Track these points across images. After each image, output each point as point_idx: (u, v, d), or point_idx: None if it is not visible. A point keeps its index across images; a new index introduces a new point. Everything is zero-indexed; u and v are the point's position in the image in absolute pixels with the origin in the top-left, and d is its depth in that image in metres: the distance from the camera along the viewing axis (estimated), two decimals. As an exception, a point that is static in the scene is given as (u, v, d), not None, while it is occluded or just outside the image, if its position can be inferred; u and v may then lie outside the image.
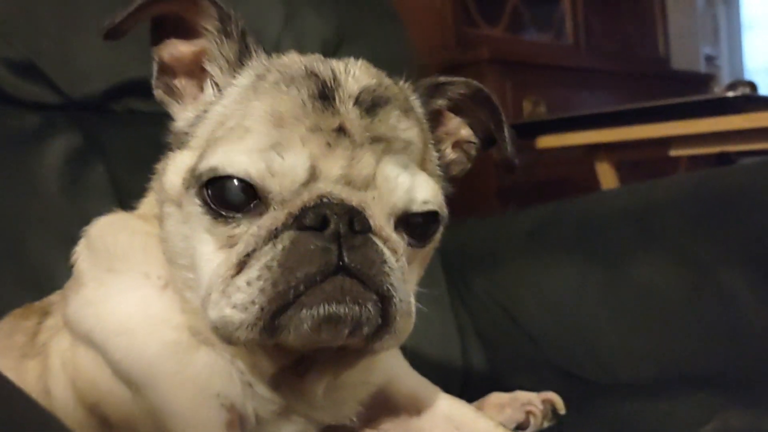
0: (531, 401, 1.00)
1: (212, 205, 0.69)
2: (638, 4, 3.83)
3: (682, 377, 1.33)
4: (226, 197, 0.69)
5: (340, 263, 0.66)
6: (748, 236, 1.34)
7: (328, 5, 1.78)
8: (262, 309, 0.65)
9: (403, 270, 0.70)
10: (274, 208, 0.68)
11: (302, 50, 1.66)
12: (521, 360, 1.56)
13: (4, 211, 1.24)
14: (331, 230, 0.66)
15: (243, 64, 0.77)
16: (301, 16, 1.72)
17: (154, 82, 0.80)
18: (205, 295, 0.69)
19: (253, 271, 0.66)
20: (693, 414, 1.06)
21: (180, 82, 0.79)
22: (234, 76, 0.76)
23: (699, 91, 3.39)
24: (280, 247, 0.66)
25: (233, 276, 0.67)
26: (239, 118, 0.71)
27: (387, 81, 0.78)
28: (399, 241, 0.71)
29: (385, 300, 0.68)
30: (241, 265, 0.67)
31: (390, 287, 0.68)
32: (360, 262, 0.66)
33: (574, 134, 2.07)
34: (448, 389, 1.56)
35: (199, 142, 0.74)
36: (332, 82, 0.72)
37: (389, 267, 0.68)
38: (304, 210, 0.67)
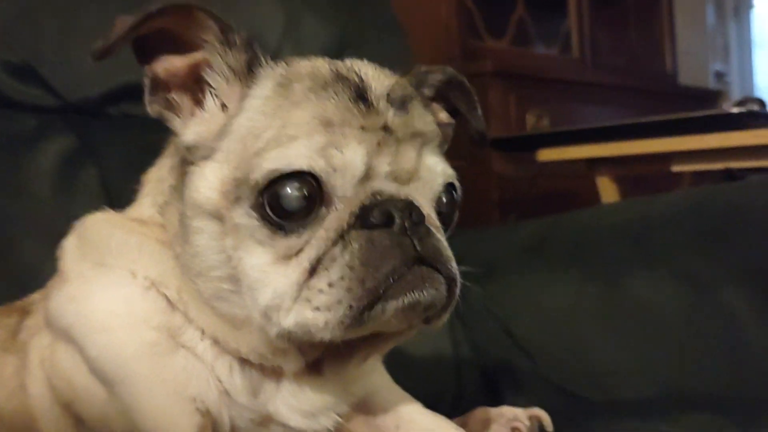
0: (517, 417, 0.98)
1: (272, 218, 0.70)
2: (646, 20, 3.82)
3: (680, 396, 1.31)
4: (284, 205, 0.70)
5: (415, 255, 0.70)
6: (749, 254, 1.32)
7: (329, 13, 1.78)
8: (351, 307, 0.68)
9: None
10: (336, 209, 0.71)
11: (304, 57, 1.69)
12: (516, 374, 1.54)
13: (-4, 212, 1.24)
14: (399, 225, 0.70)
15: (254, 73, 0.77)
16: (302, 23, 1.72)
17: (148, 98, 0.79)
18: (271, 305, 0.71)
19: (333, 273, 0.69)
20: (689, 434, 1.05)
21: (174, 96, 0.79)
22: (248, 86, 0.76)
23: (707, 108, 3.38)
24: (356, 246, 0.69)
25: (306, 281, 0.69)
26: (278, 129, 0.72)
27: (401, 79, 0.81)
28: (440, 226, 0.76)
29: (451, 281, 0.73)
30: (312, 270, 0.69)
31: (455, 269, 0.73)
32: (431, 251, 0.71)
33: (575, 148, 2.06)
34: (441, 402, 1.55)
35: (227, 155, 0.74)
36: (362, 83, 0.75)
37: (449, 251, 0.74)
38: (365, 208, 0.70)
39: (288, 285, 0.70)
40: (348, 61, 0.80)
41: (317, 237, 0.70)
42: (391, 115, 0.74)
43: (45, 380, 0.82)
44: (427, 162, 0.76)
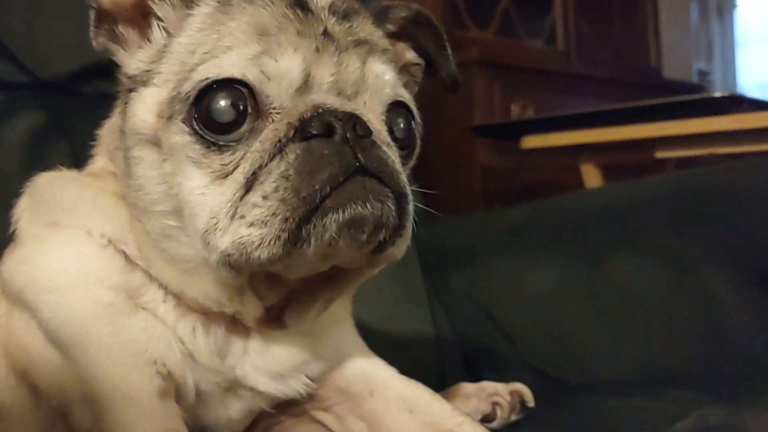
0: (498, 392, 0.95)
1: (204, 132, 0.67)
2: (631, 15, 3.82)
3: (661, 376, 1.30)
4: (215, 117, 0.67)
5: (357, 165, 0.66)
6: (731, 235, 1.31)
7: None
8: (286, 219, 0.64)
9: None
10: (273, 120, 0.67)
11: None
12: (497, 359, 1.52)
13: (-40, 189, 1.20)
14: (340, 135, 0.66)
15: None
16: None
17: (92, 30, 0.76)
18: (208, 228, 0.67)
19: (268, 185, 0.64)
20: (669, 410, 1.03)
21: (121, 29, 0.76)
22: (191, 8, 0.74)
23: (690, 102, 3.37)
24: (292, 156, 0.65)
25: (242, 197, 0.65)
26: (214, 42, 0.69)
27: None
28: (393, 145, 0.72)
29: (401, 197, 0.68)
30: (248, 185, 0.65)
31: (404, 183, 0.69)
32: (374, 161, 0.67)
33: (560, 134, 2.04)
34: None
35: (166, 77, 0.72)
36: None
37: (398, 165, 0.69)
38: (305, 120, 0.66)
39: (223, 203, 0.66)
40: None
41: (252, 150, 0.66)
42: (332, 23, 0.71)
43: (0, 349, 0.78)
44: (373, 69, 0.72)
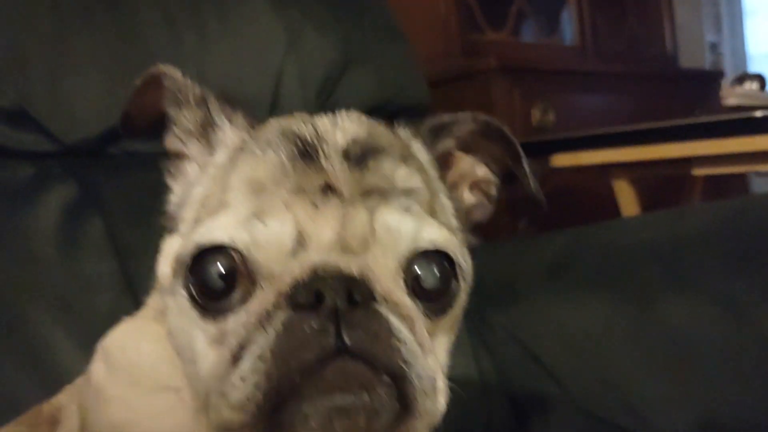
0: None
1: (198, 299, 0.63)
2: (644, 1, 3.74)
3: (719, 427, 1.26)
4: (208, 283, 0.62)
5: (340, 345, 0.57)
6: (788, 275, 1.27)
7: (331, 27, 1.70)
8: (257, 407, 0.57)
9: (422, 340, 0.62)
10: (262, 287, 0.61)
11: (307, 75, 1.61)
12: (545, 402, 1.49)
13: (-2, 278, 1.16)
14: (327, 307, 0.58)
15: (207, 132, 0.73)
16: (304, 39, 1.64)
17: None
18: (205, 398, 0.62)
19: (245, 364, 0.58)
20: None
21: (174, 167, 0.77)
22: (211, 153, 0.72)
23: (706, 90, 3.31)
24: (272, 334, 0.58)
25: (228, 372, 0.60)
26: (219, 194, 0.66)
27: (381, 129, 0.71)
28: (412, 305, 0.63)
29: (399, 380, 0.59)
30: (235, 360, 0.59)
31: (403, 364, 0.59)
32: (363, 340, 0.58)
33: (592, 153, 1.99)
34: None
35: (186, 227, 0.69)
36: (314, 138, 0.66)
37: (400, 340, 0.59)
38: (296, 287, 0.59)
39: (215, 377, 0.61)
40: (324, 115, 0.71)
41: (239, 322, 0.60)
42: (339, 172, 0.63)
43: None
44: (386, 221, 0.62)
